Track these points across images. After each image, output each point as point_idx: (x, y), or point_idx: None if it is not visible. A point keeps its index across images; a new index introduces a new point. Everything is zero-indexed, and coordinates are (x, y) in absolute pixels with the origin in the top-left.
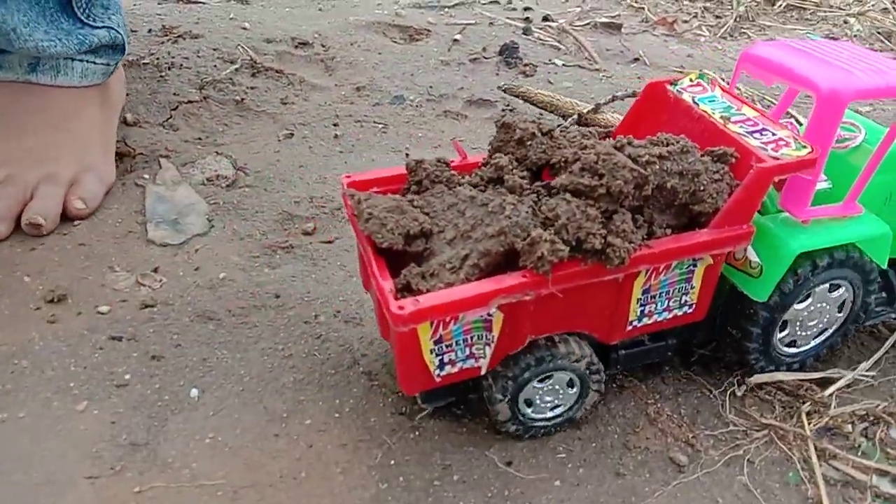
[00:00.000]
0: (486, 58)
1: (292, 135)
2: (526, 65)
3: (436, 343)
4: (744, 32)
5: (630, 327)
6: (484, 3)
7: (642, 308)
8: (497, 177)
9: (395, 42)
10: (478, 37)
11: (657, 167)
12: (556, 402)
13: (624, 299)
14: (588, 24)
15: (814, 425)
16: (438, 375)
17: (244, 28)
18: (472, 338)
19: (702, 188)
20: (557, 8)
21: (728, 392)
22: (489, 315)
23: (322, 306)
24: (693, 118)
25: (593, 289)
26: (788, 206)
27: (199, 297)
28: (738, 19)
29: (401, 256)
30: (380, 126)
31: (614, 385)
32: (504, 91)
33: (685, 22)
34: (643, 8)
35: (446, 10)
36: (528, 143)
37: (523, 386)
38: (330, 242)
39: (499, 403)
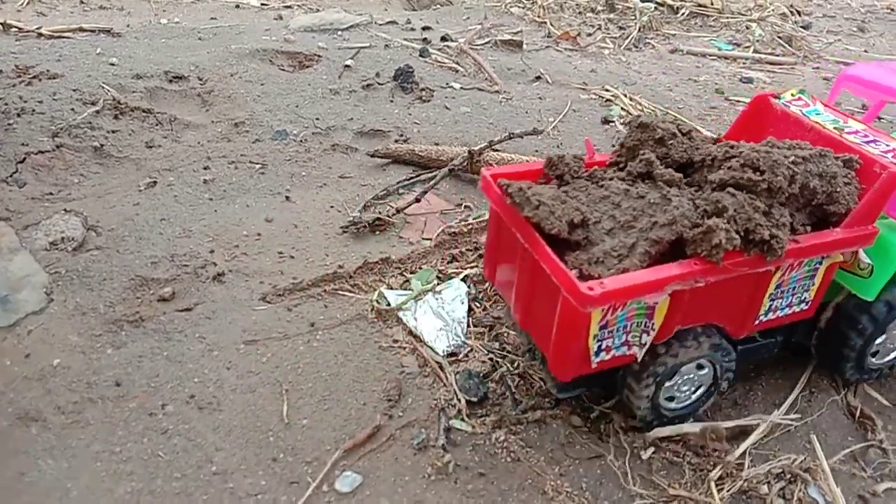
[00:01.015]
0: (379, 84)
1: (155, 183)
2: (422, 89)
3: (601, 328)
4: (648, 42)
5: (757, 322)
6: (381, 24)
7: (771, 303)
8: (646, 172)
9: (282, 70)
10: (372, 61)
11: (802, 168)
12: (691, 390)
13: (760, 293)
14: (488, 42)
15: (727, 491)
16: (595, 362)
17: (112, 64)
18: (631, 325)
19: (837, 190)
20: (458, 26)
21: (633, 455)
22: (654, 302)
23: (172, 392)
24: (805, 129)
25: (737, 282)
26: (892, 211)
27: (24, 393)
28: (641, 29)
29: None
30: (257, 166)
31: (508, 458)
32: (372, 156)
33: (589, 35)
34: (545, 23)
35: (340, 33)
36: (669, 142)
37: (662, 384)
38: (188, 310)
39: (641, 400)
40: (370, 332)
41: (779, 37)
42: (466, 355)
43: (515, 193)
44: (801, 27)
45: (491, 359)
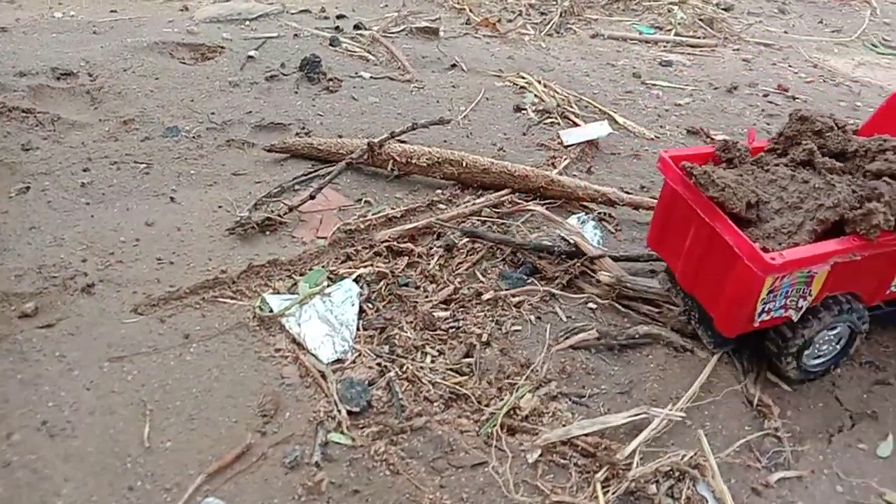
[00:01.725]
0: (284, 75)
1: (28, 188)
2: (330, 79)
3: (768, 293)
4: (569, 27)
5: (888, 292)
6: (293, 13)
7: None
8: (808, 160)
9: (182, 63)
10: (279, 51)
11: None
12: (830, 349)
13: (894, 268)
14: (404, 29)
15: (612, 493)
16: (757, 321)
17: None
18: (792, 290)
19: None
20: (375, 14)
21: (519, 459)
22: (813, 272)
23: (21, 418)
24: None
25: (879, 257)
26: None
27: None
28: (563, 14)
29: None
30: (142, 166)
31: (386, 471)
32: (269, 151)
33: (509, 21)
34: (465, 9)
35: (248, 23)
36: (827, 134)
37: (810, 343)
38: (50, 327)
39: (787, 358)
40: (250, 341)
41: (700, 19)
42: (353, 361)
43: (701, 176)
44: (723, 9)
45: (379, 364)
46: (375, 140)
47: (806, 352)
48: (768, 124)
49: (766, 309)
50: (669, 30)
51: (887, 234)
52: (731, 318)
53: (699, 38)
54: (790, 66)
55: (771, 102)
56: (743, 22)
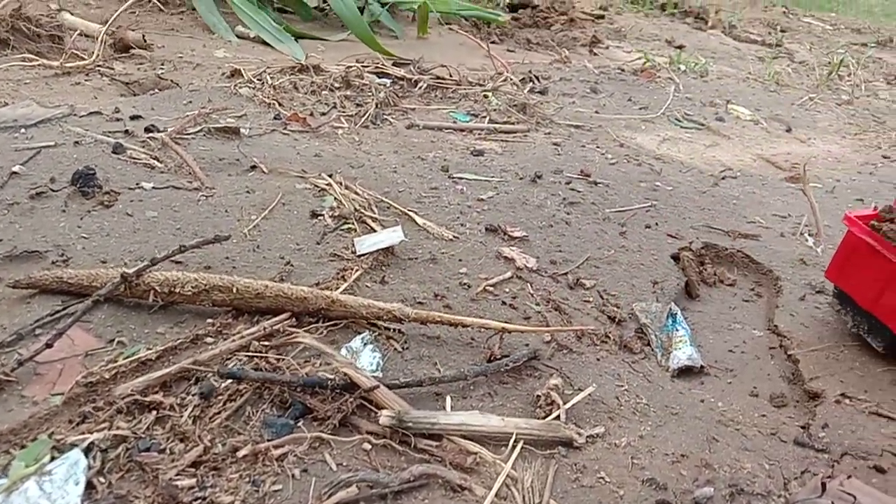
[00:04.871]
0: (54, 191)
1: None
2: (106, 193)
3: None
4: (386, 119)
5: None
6: (82, 116)
7: None
8: None
9: None
10: (53, 163)
11: None
12: None
13: None
14: (201, 130)
15: None
16: None
17: None
18: None
19: None
20: (177, 112)
21: None
22: None
23: None
24: None
25: None
26: None
27: None
28: (379, 105)
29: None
30: None
31: None
32: (13, 287)
33: (322, 114)
34: (273, 103)
35: (24, 130)
36: None
37: None
38: None
39: None
40: None
41: (513, 105)
42: None
43: (889, 231)
44: (538, 92)
45: None
46: (131, 271)
47: None
48: (568, 213)
49: None
50: (485, 117)
51: None
52: None
53: (513, 123)
54: (598, 146)
55: (573, 189)
56: (556, 104)
